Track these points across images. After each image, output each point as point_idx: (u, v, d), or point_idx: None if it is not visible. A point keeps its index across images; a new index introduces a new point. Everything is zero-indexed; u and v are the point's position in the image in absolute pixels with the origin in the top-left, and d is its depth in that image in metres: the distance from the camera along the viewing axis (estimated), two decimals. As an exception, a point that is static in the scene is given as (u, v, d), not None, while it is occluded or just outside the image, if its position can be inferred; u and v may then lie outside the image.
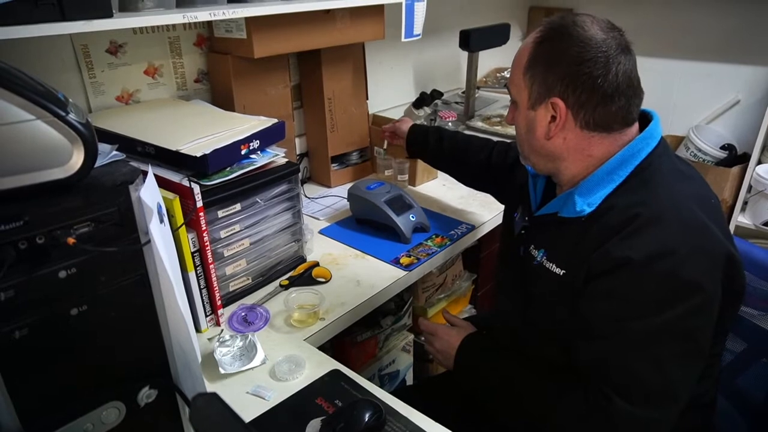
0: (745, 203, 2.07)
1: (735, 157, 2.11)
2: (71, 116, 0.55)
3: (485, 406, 0.97)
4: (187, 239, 0.96)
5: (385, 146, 1.57)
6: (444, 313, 1.16)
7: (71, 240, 0.56)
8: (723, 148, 2.13)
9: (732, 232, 2.09)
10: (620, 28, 0.82)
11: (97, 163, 0.60)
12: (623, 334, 0.76)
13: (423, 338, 1.14)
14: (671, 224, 0.74)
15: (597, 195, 0.82)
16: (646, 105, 0.87)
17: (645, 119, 0.86)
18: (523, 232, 0.97)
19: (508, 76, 2.36)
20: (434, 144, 1.39)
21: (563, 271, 0.84)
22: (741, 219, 2.07)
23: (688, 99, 2.25)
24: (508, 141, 1.29)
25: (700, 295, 0.74)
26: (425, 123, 1.94)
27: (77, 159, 0.57)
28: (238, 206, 1.07)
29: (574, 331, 0.82)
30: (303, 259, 1.26)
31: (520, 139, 0.91)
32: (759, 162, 2.01)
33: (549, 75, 0.81)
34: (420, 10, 1.50)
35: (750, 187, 2.03)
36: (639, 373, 0.76)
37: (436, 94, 1.99)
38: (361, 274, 1.23)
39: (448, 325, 1.11)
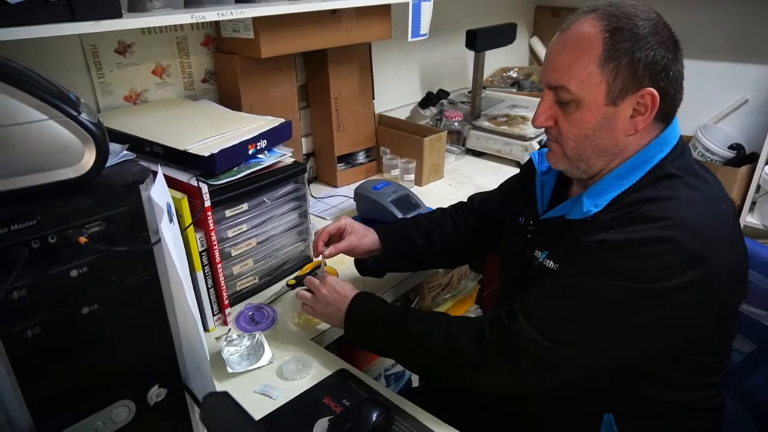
0: (754, 203, 2.06)
1: (743, 157, 2.10)
2: (83, 116, 0.56)
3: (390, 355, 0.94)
4: (195, 239, 0.97)
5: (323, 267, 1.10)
6: (322, 272, 1.05)
7: (83, 239, 0.56)
8: (731, 147, 2.11)
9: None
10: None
11: (108, 163, 0.61)
12: (563, 283, 0.77)
13: (301, 298, 1.01)
14: (663, 222, 0.72)
15: (604, 197, 0.81)
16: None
17: None
18: (529, 236, 0.95)
19: (514, 75, 2.36)
20: (423, 243, 1.12)
21: (557, 266, 0.84)
22: (749, 219, 2.06)
23: (696, 98, 2.23)
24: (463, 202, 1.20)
25: (662, 286, 0.71)
26: (430, 124, 1.94)
27: (89, 159, 0.57)
28: (245, 206, 1.08)
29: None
30: (309, 259, 1.27)
31: (581, 140, 0.81)
32: (767, 162, 2.00)
33: (637, 64, 0.74)
34: (426, 10, 1.50)
35: (758, 187, 2.01)
36: (554, 315, 0.76)
37: (443, 94, 1.99)
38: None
39: None
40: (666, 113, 0.79)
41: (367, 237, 1.10)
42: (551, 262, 0.86)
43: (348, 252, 1.09)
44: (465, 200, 1.20)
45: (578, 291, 0.76)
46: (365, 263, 1.15)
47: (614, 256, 0.73)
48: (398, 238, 1.12)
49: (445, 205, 1.21)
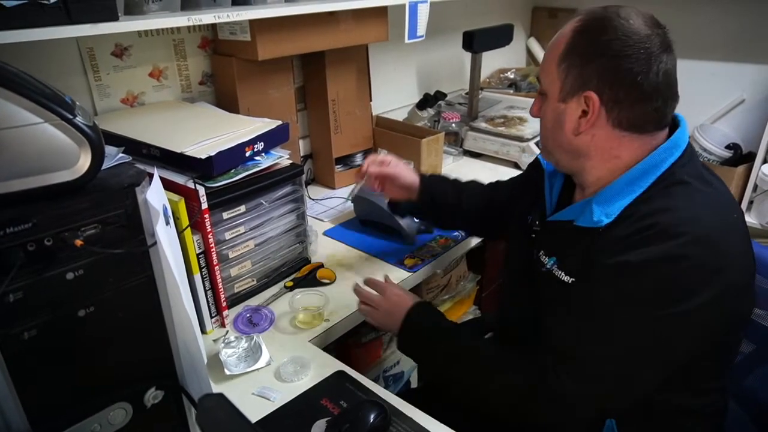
0: (751, 202, 2.06)
1: (740, 157, 2.10)
2: (78, 119, 0.56)
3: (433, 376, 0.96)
4: (193, 241, 0.97)
5: (356, 190, 1.23)
6: (386, 279, 1.08)
7: (79, 242, 0.56)
8: (728, 147, 2.12)
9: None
10: (664, 26, 0.78)
11: (104, 166, 0.61)
12: (601, 317, 0.76)
13: (360, 300, 1.05)
14: (683, 237, 0.71)
15: (616, 205, 0.79)
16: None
17: (673, 124, 0.83)
18: (533, 236, 0.94)
19: (511, 76, 2.37)
20: (453, 201, 1.19)
21: (572, 280, 0.83)
22: (747, 219, 2.05)
23: (693, 98, 2.22)
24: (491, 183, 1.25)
25: (689, 306, 0.72)
26: (428, 125, 1.94)
27: (84, 161, 0.57)
28: (242, 208, 1.08)
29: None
30: (307, 261, 1.27)
31: (545, 132, 0.87)
32: (764, 161, 2.00)
33: (586, 67, 0.77)
34: (423, 12, 1.51)
35: (756, 186, 2.02)
36: (598, 355, 0.76)
37: (440, 95, 1.99)
38: (366, 276, 1.22)
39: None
40: (630, 123, 0.78)
41: (409, 173, 1.19)
42: (563, 274, 0.84)
43: (391, 178, 1.17)
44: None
45: (617, 331, 0.75)
46: (399, 204, 1.24)
47: (641, 281, 0.73)
48: (434, 188, 1.19)
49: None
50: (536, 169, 1.02)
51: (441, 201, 1.18)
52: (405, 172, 1.18)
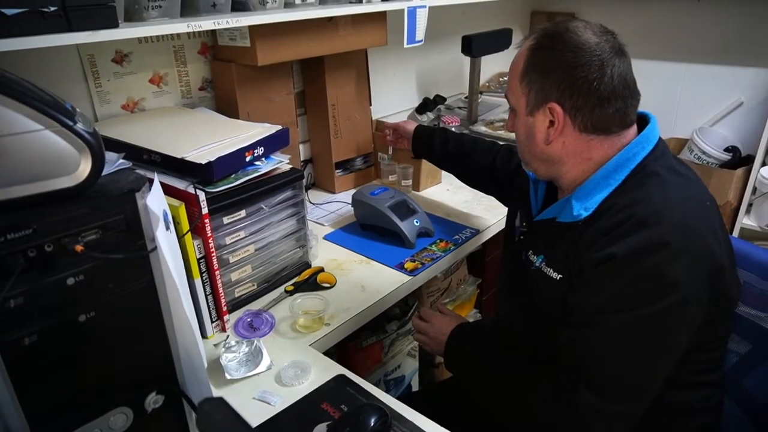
0: (750, 205, 2.06)
1: (739, 159, 2.10)
2: (79, 126, 0.56)
3: (476, 398, 0.99)
4: (193, 246, 0.97)
5: (390, 152, 1.61)
6: (438, 305, 1.18)
7: (79, 247, 0.57)
8: (727, 150, 2.12)
9: (737, 234, 2.09)
10: (613, 32, 0.82)
11: (104, 172, 0.61)
12: (598, 326, 0.77)
13: (414, 330, 1.15)
14: (661, 225, 0.74)
15: (594, 199, 0.82)
16: (650, 108, 0.87)
17: (643, 121, 0.87)
18: (522, 237, 0.97)
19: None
20: (439, 146, 1.40)
21: (560, 276, 0.85)
22: (746, 221, 2.06)
23: (692, 101, 2.25)
24: (513, 145, 1.30)
25: (679, 295, 0.73)
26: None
27: (85, 168, 0.57)
28: (243, 213, 1.08)
29: (561, 321, 0.83)
30: (308, 265, 1.27)
31: (521, 145, 0.92)
32: (763, 164, 2.00)
33: (545, 81, 0.81)
34: (422, 16, 1.51)
35: (755, 189, 2.02)
36: (607, 366, 0.76)
37: (439, 100, 2.00)
38: (366, 280, 1.23)
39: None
40: (594, 126, 0.81)
41: (408, 124, 1.50)
42: (551, 270, 0.86)
43: (399, 131, 1.52)
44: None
45: (620, 335, 0.76)
46: (414, 148, 1.48)
47: (630, 276, 0.74)
48: (421, 136, 1.45)
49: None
50: (523, 174, 1.04)
51: (428, 141, 1.42)
52: (406, 123, 1.51)
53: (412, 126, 1.48)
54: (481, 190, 1.42)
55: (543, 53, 0.82)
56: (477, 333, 1.05)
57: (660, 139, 0.85)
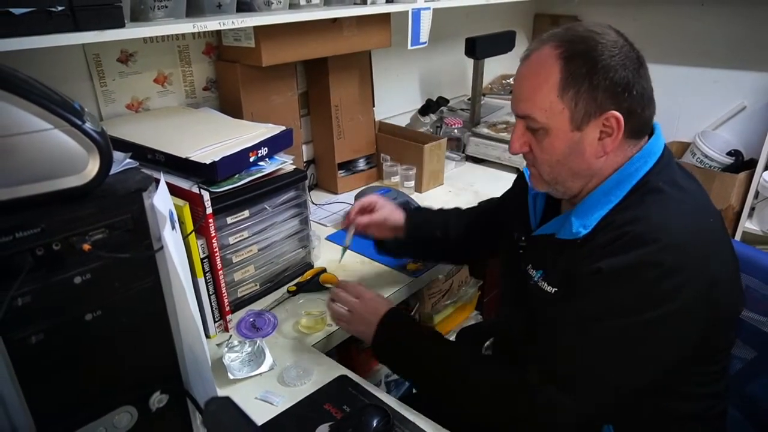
0: (752, 209, 2.07)
1: (741, 163, 2.10)
2: (88, 125, 0.56)
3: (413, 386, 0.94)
4: (197, 246, 0.97)
5: (349, 240, 1.16)
6: (358, 286, 1.03)
7: (86, 246, 0.57)
8: (729, 154, 2.12)
9: (739, 238, 2.08)
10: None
11: (112, 171, 0.61)
12: (576, 330, 0.76)
13: (335, 301, 1.01)
14: (656, 245, 0.72)
15: (593, 216, 0.80)
16: (652, 111, 0.87)
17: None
18: (521, 251, 0.95)
19: (513, 82, 2.37)
20: (440, 229, 1.17)
21: (555, 290, 0.84)
22: (748, 225, 2.06)
23: (694, 105, 2.25)
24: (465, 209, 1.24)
25: (666, 310, 0.72)
26: (430, 131, 1.95)
27: (93, 167, 0.58)
28: (246, 213, 1.08)
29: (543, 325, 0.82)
30: (310, 266, 1.27)
31: (556, 166, 0.81)
32: (766, 168, 2.00)
33: (596, 89, 0.75)
34: (426, 18, 1.52)
35: (757, 193, 2.02)
36: (582, 368, 0.76)
37: (442, 101, 2.00)
38: (368, 280, 1.23)
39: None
40: (637, 130, 0.79)
41: (395, 214, 1.15)
42: (547, 285, 0.85)
43: (378, 224, 1.14)
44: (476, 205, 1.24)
45: (598, 340, 0.75)
46: (384, 243, 1.19)
47: (618, 288, 0.73)
48: (421, 227, 1.16)
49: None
50: (521, 181, 1.02)
51: (428, 233, 1.16)
52: (392, 214, 1.15)
53: (396, 214, 1.15)
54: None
55: (582, 60, 0.75)
56: (412, 320, 0.99)
57: (665, 148, 0.82)
